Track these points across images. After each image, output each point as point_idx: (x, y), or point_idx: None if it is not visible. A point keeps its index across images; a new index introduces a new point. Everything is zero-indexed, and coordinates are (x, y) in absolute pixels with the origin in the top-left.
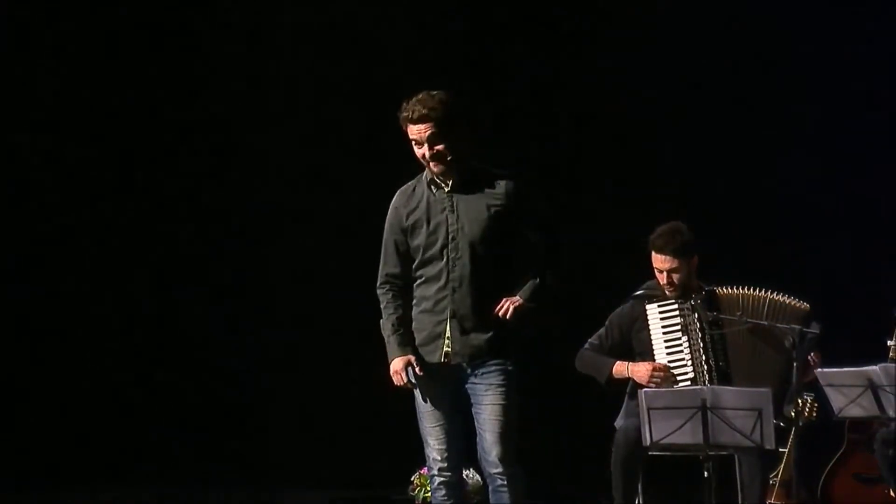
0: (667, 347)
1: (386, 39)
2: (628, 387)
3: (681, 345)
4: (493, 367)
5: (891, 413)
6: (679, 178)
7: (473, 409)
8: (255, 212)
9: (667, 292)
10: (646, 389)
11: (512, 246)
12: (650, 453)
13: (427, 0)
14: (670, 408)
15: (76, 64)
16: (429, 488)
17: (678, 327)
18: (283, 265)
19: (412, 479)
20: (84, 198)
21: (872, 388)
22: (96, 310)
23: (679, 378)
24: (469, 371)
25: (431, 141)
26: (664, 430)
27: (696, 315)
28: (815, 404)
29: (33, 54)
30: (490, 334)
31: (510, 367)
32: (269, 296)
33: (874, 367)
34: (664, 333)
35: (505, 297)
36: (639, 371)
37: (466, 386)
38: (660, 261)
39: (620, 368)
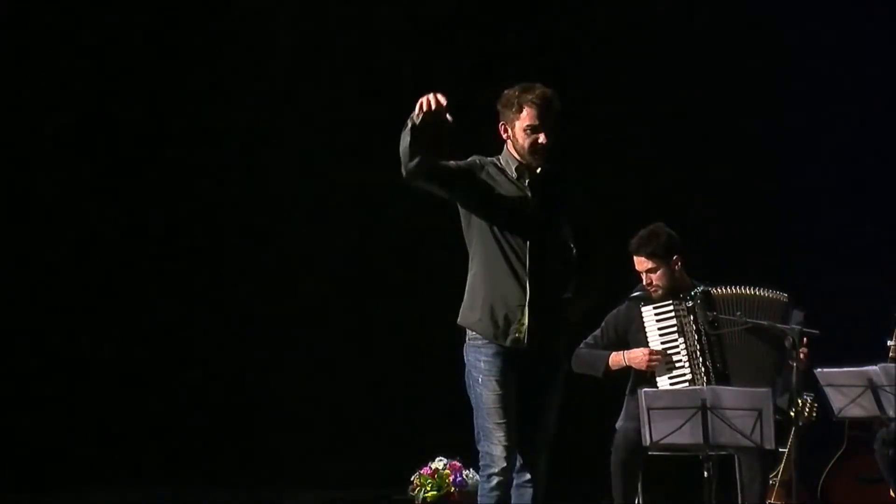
0: (663, 349)
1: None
2: (628, 387)
3: (678, 346)
4: (559, 366)
5: (891, 413)
6: (679, 178)
7: (533, 404)
8: (255, 212)
9: (651, 293)
10: (646, 389)
11: (575, 239)
12: (650, 453)
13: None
14: (670, 408)
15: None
16: (429, 488)
17: (674, 329)
18: (283, 265)
19: (412, 479)
20: (85, 198)
21: (872, 388)
22: (97, 310)
23: (677, 379)
24: (539, 361)
25: (553, 129)
26: (664, 431)
27: (692, 316)
28: (815, 404)
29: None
30: (561, 326)
31: (565, 365)
32: (269, 296)
33: (874, 367)
34: (660, 335)
35: (567, 287)
36: (635, 357)
37: (533, 377)
38: (637, 262)
39: (617, 359)
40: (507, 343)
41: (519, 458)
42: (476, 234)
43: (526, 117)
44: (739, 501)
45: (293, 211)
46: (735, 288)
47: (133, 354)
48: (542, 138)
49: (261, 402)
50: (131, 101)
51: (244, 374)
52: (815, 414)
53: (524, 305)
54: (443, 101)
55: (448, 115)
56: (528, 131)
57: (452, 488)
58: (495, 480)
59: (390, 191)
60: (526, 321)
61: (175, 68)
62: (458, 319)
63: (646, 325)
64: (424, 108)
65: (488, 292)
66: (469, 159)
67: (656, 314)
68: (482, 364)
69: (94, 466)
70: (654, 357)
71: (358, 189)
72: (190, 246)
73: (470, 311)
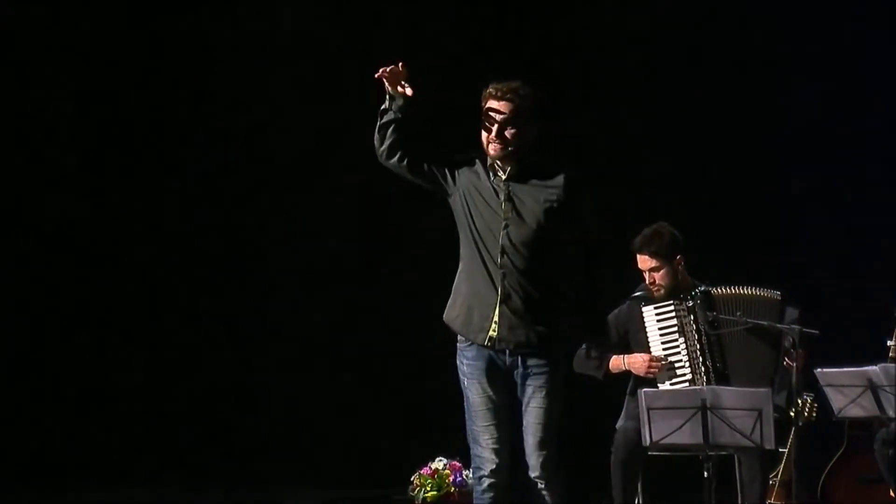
0: (664, 349)
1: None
2: (629, 387)
3: (678, 346)
4: (542, 366)
5: (891, 413)
6: (679, 178)
7: (522, 408)
8: (256, 211)
9: (653, 292)
10: (646, 390)
11: (563, 237)
12: (650, 453)
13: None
14: (670, 408)
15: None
16: (429, 488)
17: (675, 329)
18: (283, 265)
19: (412, 479)
20: (84, 196)
21: (872, 388)
22: (96, 309)
23: (677, 380)
24: (518, 363)
25: (505, 122)
26: (664, 431)
27: (693, 316)
28: (815, 404)
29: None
30: (538, 327)
31: (558, 366)
32: (269, 295)
33: (874, 367)
34: (661, 335)
35: (553, 291)
36: (635, 363)
37: (516, 379)
38: (640, 261)
39: (617, 362)
40: (480, 342)
41: (529, 462)
42: (461, 232)
43: (483, 108)
44: (739, 501)
45: (293, 209)
46: (732, 288)
47: (133, 354)
48: (493, 131)
49: (261, 402)
50: (133, 105)
51: (244, 373)
52: (815, 414)
53: (495, 305)
54: (398, 68)
55: (408, 88)
56: (483, 123)
57: (452, 488)
58: (486, 483)
59: (391, 189)
60: (497, 320)
61: (174, 71)
62: (443, 315)
63: (646, 325)
64: (378, 74)
65: (467, 291)
66: (465, 155)
67: (657, 314)
68: (465, 367)
69: (94, 466)
70: (654, 365)
71: (359, 188)
72: (190, 245)
73: (450, 308)
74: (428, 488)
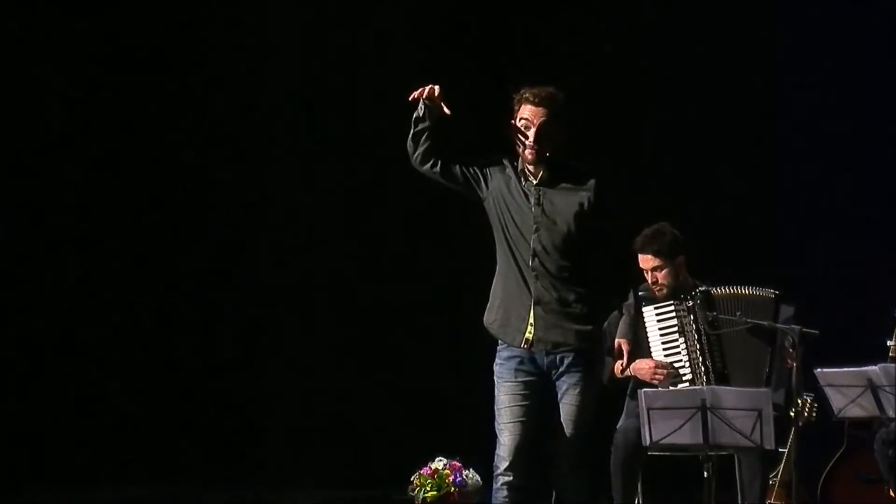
0: (664, 349)
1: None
2: (629, 388)
3: (678, 346)
4: (578, 364)
5: (891, 413)
6: (678, 178)
7: (557, 403)
8: (253, 211)
9: (655, 292)
10: (646, 390)
11: (592, 238)
12: (650, 453)
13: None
14: (670, 408)
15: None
16: (429, 488)
17: (675, 329)
18: (281, 265)
19: (412, 479)
20: (82, 196)
21: (872, 388)
22: (95, 309)
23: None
24: (556, 363)
25: (542, 127)
26: (664, 431)
27: (693, 316)
28: (815, 404)
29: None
30: (574, 326)
31: (593, 365)
32: (268, 295)
33: (874, 367)
34: (661, 335)
35: (586, 290)
36: (641, 368)
37: (553, 379)
38: (642, 261)
39: (620, 367)
40: (518, 344)
41: (557, 456)
42: (496, 235)
43: (519, 113)
44: (739, 501)
45: (297, 210)
46: (731, 288)
47: (133, 354)
48: (530, 137)
49: (260, 402)
50: (134, 108)
51: (244, 373)
52: (815, 414)
53: (530, 307)
54: (436, 89)
55: (445, 109)
56: (518, 129)
57: (452, 488)
58: (500, 481)
59: (386, 187)
60: (532, 322)
61: (173, 73)
62: (483, 319)
63: (647, 324)
64: (416, 95)
65: (502, 294)
66: (495, 159)
67: (657, 314)
68: (497, 367)
69: (92, 466)
70: (660, 371)
71: (361, 185)
72: (192, 245)
73: (489, 312)
74: (428, 488)
